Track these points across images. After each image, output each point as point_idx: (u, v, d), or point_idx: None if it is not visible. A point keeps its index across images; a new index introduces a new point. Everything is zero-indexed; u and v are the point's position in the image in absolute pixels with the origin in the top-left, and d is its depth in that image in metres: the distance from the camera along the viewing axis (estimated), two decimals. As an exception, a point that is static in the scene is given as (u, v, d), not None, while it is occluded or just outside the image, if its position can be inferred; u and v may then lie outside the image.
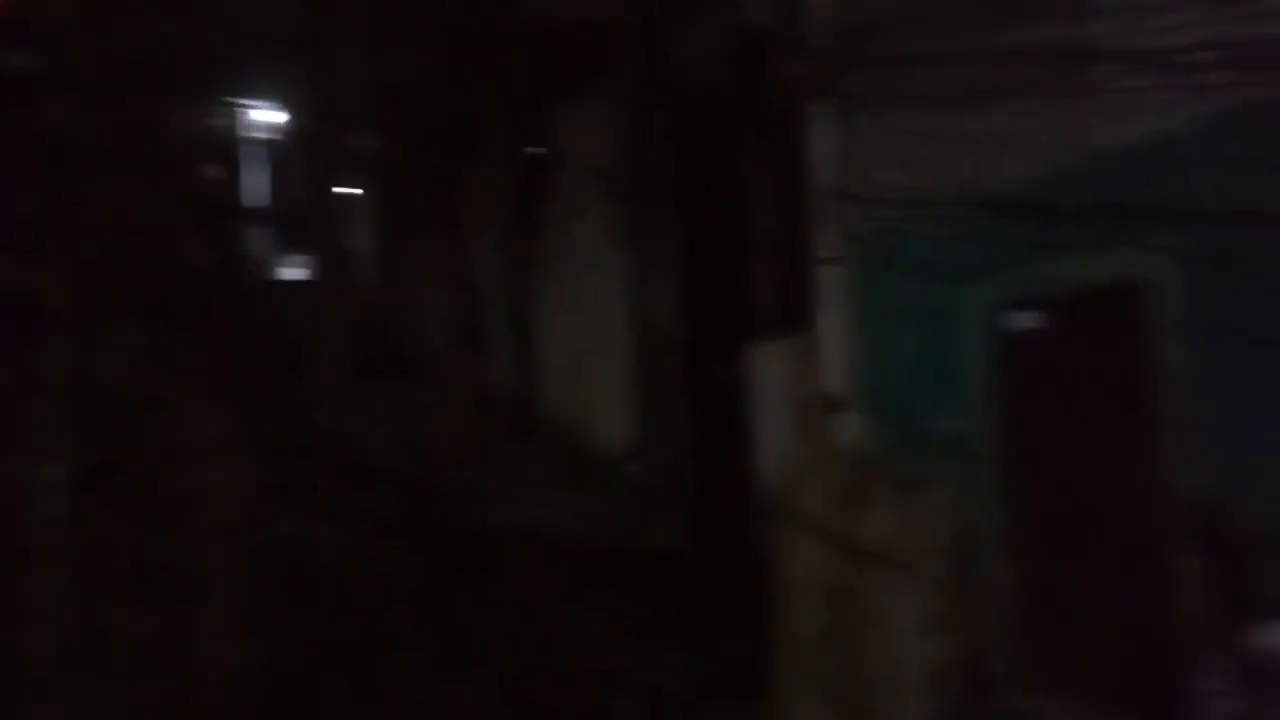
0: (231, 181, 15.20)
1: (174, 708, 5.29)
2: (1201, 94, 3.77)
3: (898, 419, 5.38)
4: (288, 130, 14.60)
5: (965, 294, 4.94)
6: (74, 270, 5.54)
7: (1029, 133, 4.38)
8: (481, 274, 11.70)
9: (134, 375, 5.93)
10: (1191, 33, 3.71)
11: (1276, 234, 3.62)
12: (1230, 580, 3.81)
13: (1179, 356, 4.07)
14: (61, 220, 5.59)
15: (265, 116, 15.41)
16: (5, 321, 5.42)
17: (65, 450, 5.28)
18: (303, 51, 9.56)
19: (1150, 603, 4.18)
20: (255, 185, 15.99)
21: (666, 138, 7.87)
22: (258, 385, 7.77)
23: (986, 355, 4.93)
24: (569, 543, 7.38)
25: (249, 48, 11.47)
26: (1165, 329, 4.11)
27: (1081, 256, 4.35)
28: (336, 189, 12.95)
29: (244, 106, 15.18)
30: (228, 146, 15.06)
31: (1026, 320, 4.82)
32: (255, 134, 15.79)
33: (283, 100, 14.11)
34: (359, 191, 15.82)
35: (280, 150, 15.10)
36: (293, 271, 15.44)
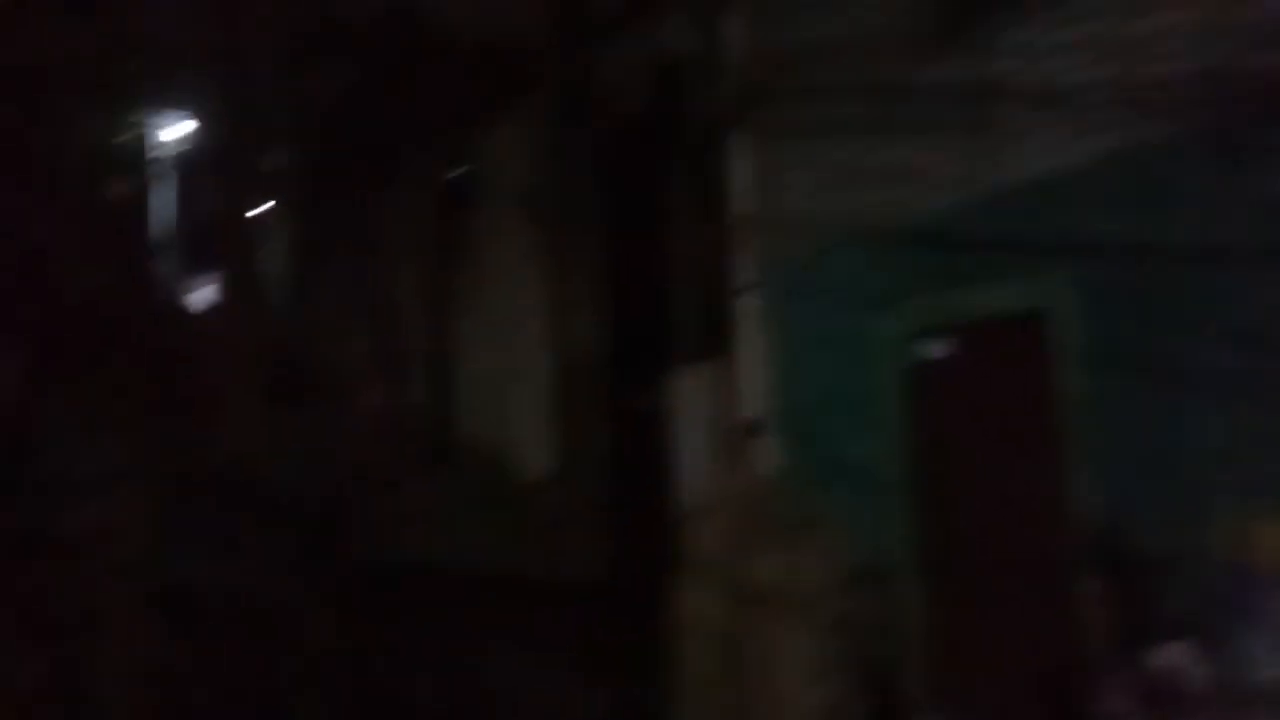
0: (138, 201, 14.69)
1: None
2: (1096, 132, 3.95)
3: (814, 444, 5.45)
4: (199, 148, 14.20)
5: (876, 321, 5.05)
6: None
7: (937, 166, 4.52)
8: (398, 297, 11.51)
9: (21, 407, 5.66)
10: (1087, 74, 3.89)
11: (1167, 265, 3.80)
12: (1129, 601, 3.94)
13: (1078, 383, 4.22)
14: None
15: (176, 134, 14.97)
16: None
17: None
18: (217, 67, 9.33)
19: (1053, 623, 4.29)
20: (164, 205, 15.47)
21: (587, 162, 7.89)
22: (159, 415, 7.48)
23: (897, 382, 5.03)
24: (484, 573, 7.24)
25: (160, 62, 11.14)
26: (1065, 356, 4.26)
27: (986, 286, 4.49)
28: (249, 209, 12.61)
29: (154, 124, 14.72)
30: (134, 165, 14.58)
31: (935, 348, 4.94)
32: (165, 152, 15.30)
33: (195, 117, 13.72)
34: (273, 212, 15.44)
35: (191, 169, 14.66)
36: (201, 294, 14.94)
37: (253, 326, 10.13)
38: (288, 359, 11.85)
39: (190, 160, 14.74)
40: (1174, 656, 3.72)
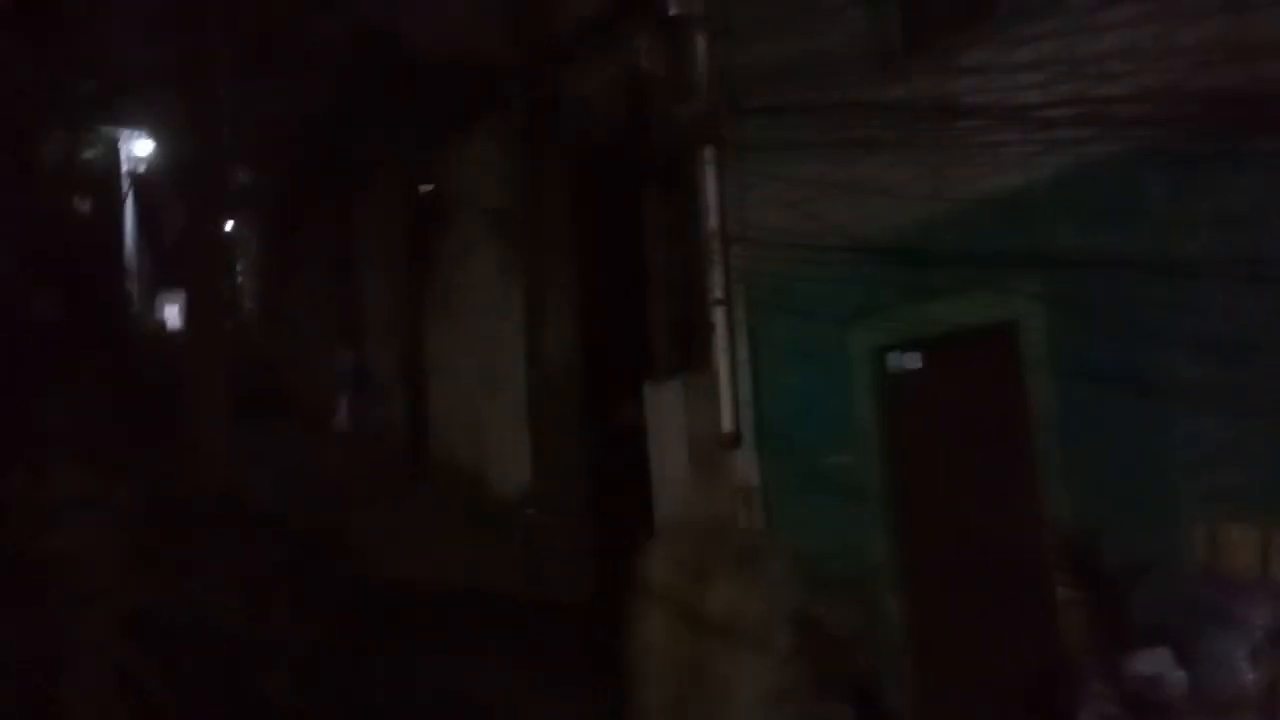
0: (105, 219, 14.50)
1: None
2: (1059, 147, 4.00)
3: (790, 457, 5.48)
4: (167, 166, 14.05)
5: (850, 335, 5.09)
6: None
7: (904, 182, 4.56)
8: (372, 314, 11.44)
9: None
10: (1048, 91, 3.95)
11: (1132, 278, 3.86)
12: (1105, 608, 3.99)
13: (1049, 394, 4.27)
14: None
15: (145, 151, 14.80)
16: None
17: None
18: (187, 85, 9.24)
19: (1032, 631, 4.33)
20: (132, 223, 15.29)
21: (559, 178, 7.89)
22: (129, 437, 7.38)
23: (871, 394, 5.07)
24: (462, 591, 7.21)
25: (126, 80, 11.01)
26: (1035, 368, 4.31)
27: (956, 300, 4.54)
28: (219, 227, 12.49)
29: (123, 141, 14.55)
30: (102, 184, 14.39)
31: (907, 360, 4.99)
32: (134, 170, 15.12)
33: (162, 135, 13.58)
34: (243, 230, 15.30)
35: (160, 186, 14.50)
36: (171, 312, 14.76)
37: (223, 345, 10.02)
38: (261, 377, 11.74)
39: (159, 178, 14.59)
40: (1152, 662, 3.77)
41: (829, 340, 5.16)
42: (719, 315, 5.75)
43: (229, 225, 13.59)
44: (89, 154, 13.86)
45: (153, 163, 14.87)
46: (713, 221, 5.73)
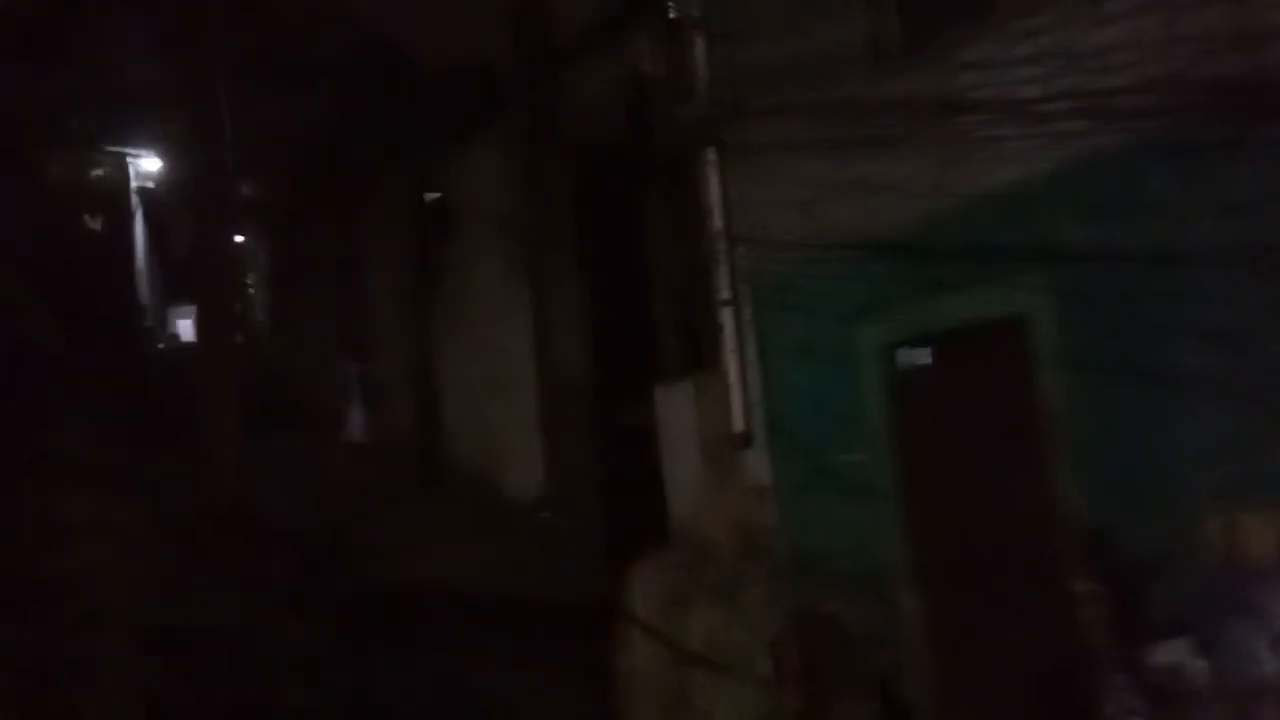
0: (115, 236, 14.60)
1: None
2: (1062, 140, 3.99)
3: (802, 455, 5.48)
4: (176, 181, 14.14)
5: (858, 332, 5.08)
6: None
7: (907, 179, 4.55)
8: (381, 322, 11.49)
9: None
10: (1049, 84, 3.94)
11: (1140, 269, 3.84)
12: (1123, 600, 3.98)
13: (1060, 387, 4.26)
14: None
15: (154, 167, 14.90)
16: None
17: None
18: (193, 100, 9.30)
19: (1050, 624, 4.32)
20: (143, 236, 15.38)
21: (563, 182, 7.91)
22: (141, 451, 7.41)
23: (882, 391, 5.07)
24: (477, 595, 7.24)
25: (137, 98, 11.08)
26: (1046, 361, 4.30)
27: (965, 295, 4.53)
28: (229, 237, 12.59)
29: (131, 158, 14.64)
30: (111, 200, 14.48)
31: (917, 356, 4.98)
32: (143, 186, 15.22)
33: (172, 151, 13.67)
34: (252, 242, 15.38)
35: (170, 200, 14.59)
36: (182, 324, 14.84)
37: (234, 358, 10.07)
38: (273, 387, 11.80)
39: (168, 193, 14.68)
40: (1172, 653, 3.75)
41: (837, 338, 5.15)
42: (726, 316, 5.76)
43: (238, 238, 13.66)
44: (97, 172, 13.96)
45: (162, 178, 14.97)
46: (717, 222, 5.73)
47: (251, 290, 15.92)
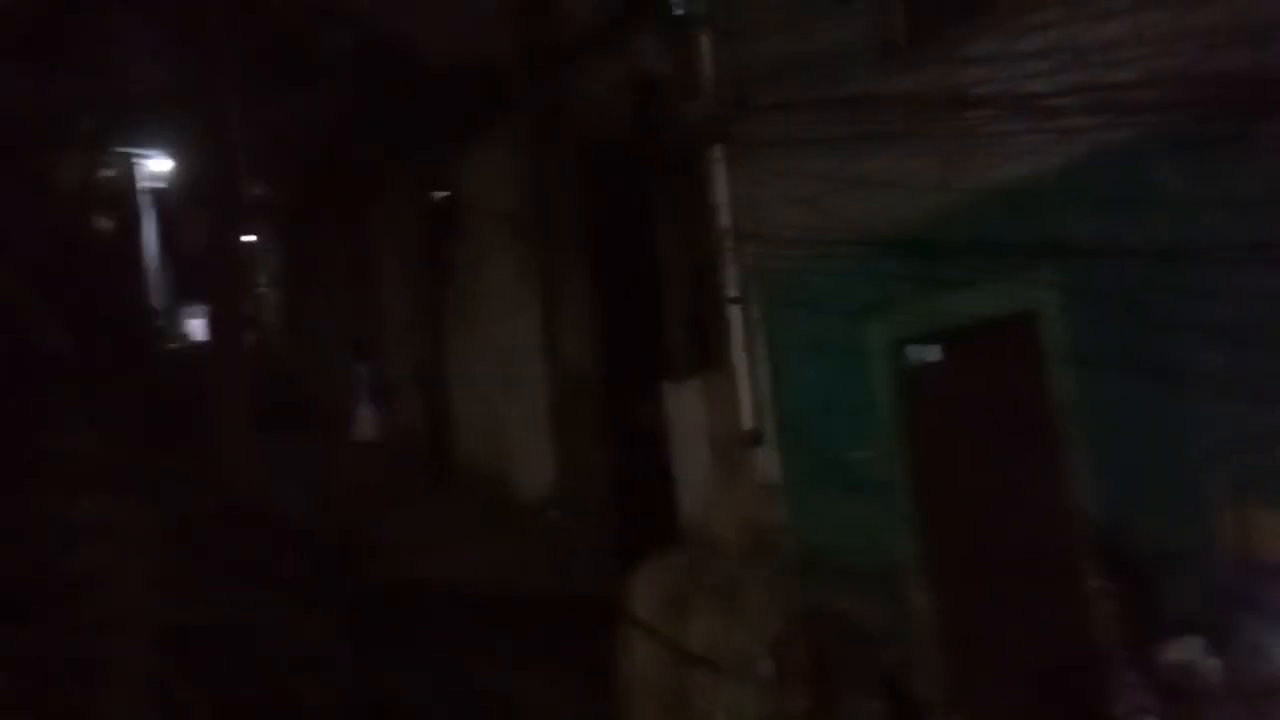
0: (126, 237, 14.68)
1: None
2: (1070, 136, 3.97)
3: (812, 452, 5.47)
4: (185, 182, 14.21)
5: (867, 329, 5.07)
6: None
7: (915, 175, 4.54)
8: (391, 321, 11.52)
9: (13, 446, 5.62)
10: (1056, 79, 3.91)
11: (1150, 264, 3.82)
12: (1135, 598, 3.96)
13: (1071, 383, 4.24)
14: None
15: (164, 168, 14.97)
16: None
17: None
18: (201, 100, 9.34)
19: (1062, 622, 4.30)
20: (152, 237, 15.46)
21: (570, 180, 7.91)
22: (151, 452, 7.45)
23: (891, 388, 5.05)
24: (488, 593, 7.26)
25: (145, 100, 11.13)
26: (1056, 357, 4.28)
27: (971, 291, 4.51)
28: (238, 238, 12.68)
29: (141, 159, 14.72)
30: (121, 202, 14.56)
31: (926, 353, 4.96)
32: (153, 187, 15.29)
33: (181, 152, 13.73)
34: (262, 240, 15.43)
35: (178, 200, 14.67)
36: (192, 324, 14.91)
37: (245, 358, 10.11)
38: (282, 386, 11.85)
39: (177, 194, 14.75)
40: (1185, 651, 3.73)
41: (846, 335, 5.14)
42: (735, 313, 5.75)
43: (248, 239, 13.73)
44: (107, 173, 14.03)
45: (172, 179, 15.04)
46: (725, 219, 5.72)
47: (262, 290, 15.99)
